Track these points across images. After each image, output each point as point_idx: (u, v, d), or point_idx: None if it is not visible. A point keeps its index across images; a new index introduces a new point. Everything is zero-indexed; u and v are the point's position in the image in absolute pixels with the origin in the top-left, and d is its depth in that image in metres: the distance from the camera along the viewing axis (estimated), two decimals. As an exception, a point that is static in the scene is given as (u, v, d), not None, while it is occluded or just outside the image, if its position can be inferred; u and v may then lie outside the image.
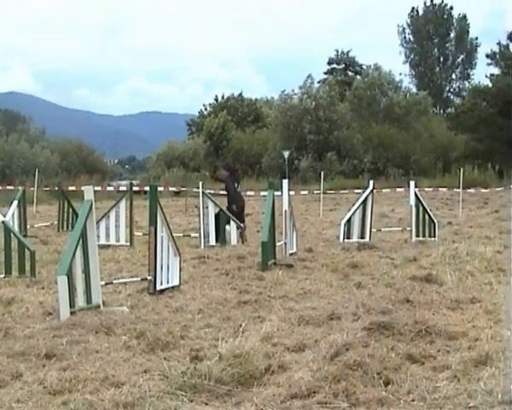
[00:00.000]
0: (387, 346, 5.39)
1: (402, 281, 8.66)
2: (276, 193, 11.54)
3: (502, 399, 4.25)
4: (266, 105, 62.69)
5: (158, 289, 8.37)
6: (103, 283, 7.91)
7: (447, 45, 70.10)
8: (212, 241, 13.94)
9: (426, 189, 25.97)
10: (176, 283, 8.80)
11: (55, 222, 18.09)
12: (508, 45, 52.76)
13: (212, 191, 16.36)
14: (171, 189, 26.57)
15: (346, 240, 13.62)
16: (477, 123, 45.70)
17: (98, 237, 11.03)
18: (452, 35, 69.93)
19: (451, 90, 71.26)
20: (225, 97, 61.42)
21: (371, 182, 14.61)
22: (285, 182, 12.04)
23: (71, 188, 22.48)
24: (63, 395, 4.59)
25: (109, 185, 32.27)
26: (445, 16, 69.37)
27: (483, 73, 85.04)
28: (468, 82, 68.05)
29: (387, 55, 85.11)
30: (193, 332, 6.34)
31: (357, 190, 21.33)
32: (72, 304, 6.94)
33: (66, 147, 52.90)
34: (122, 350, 5.70)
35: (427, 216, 14.25)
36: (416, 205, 14.08)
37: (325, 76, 65.39)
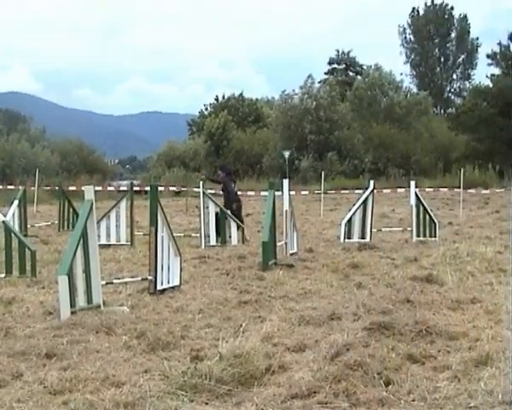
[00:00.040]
0: (388, 346, 5.40)
1: (402, 281, 8.66)
2: (276, 193, 11.54)
3: (502, 399, 4.26)
4: (267, 105, 62.65)
5: (158, 289, 8.37)
6: (104, 282, 7.91)
7: (448, 45, 70.08)
8: (213, 241, 13.95)
9: (426, 189, 25.94)
10: (176, 283, 8.80)
11: (56, 222, 18.10)
12: (508, 45, 52.72)
13: (213, 191, 16.35)
14: (171, 189, 26.54)
15: (346, 240, 13.62)
16: (478, 123, 45.69)
17: (99, 236, 11.03)
18: (453, 35, 69.91)
19: (452, 90, 71.26)
20: (226, 97, 61.42)
21: (372, 182, 14.61)
22: (285, 182, 12.04)
23: (71, 188, 22.47)
24: (64, 395, 4.59)
25: (110, 185, 32.29)
26: (446, 16, 69.35)
27: (484, 74, 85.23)
28: (469, 82, 68.09)
29: (388, 56, 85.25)
30: (193, 332, 6.34)
31: (357, 191, 21.29)
32: (72, 304, 6.94)
33: (66, 147, 52.85)
34: (122, 350, 5.70)
35: (427, 216, 14.25)
36: (416, 205, 14.08)
37: (326, 76, 65.40)
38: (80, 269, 7.27)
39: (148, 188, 11.98)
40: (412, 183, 14.33)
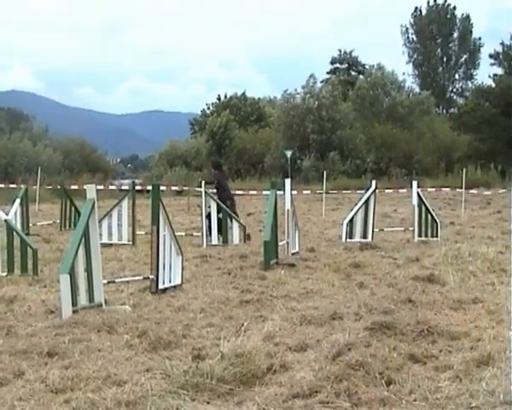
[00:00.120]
0: (389, 346, 5.39)
1: (404, 281, 8.66)
2: (278, 192, 11.54)
3: (504, 399, 4.25)
4: (269, 104, 62.66)
5: (160, 288, 8.37)
6: (105, 281, 7.91)
7: (450, 45, 70.06)
8: (215, 240, 13.96)
9: (428, 189, 25.94)
10: (178, 282, 8.81)
11: (58, 220, 18.12)
12: (511, 45, 52.74)
13: (215, 190, 16.33)
14: (173, 188, 26.55)
15: (348, 240, 13.61)
16: (480, 123, 45.71)
17: (100, 235, 11.04)
18: (455, 35, 69.89)
19: (454, 90, 71.23)
20: (228, 97, 61.44)
21: (374, 182, 14.60)
22: (287, 181, 12.04)
23: (73, 186, 22.52)
24: (65, 394, 4.59)
25: (112, 184, 32.26)
26: (449, 16, 69.31)
27: (486, 74, 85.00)
28: (472, 82, 68.11)
29: (390, 55, 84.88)
30: (195, 331, 6.34)
31: (359, 190, 21.31)
32: (74, 303, 6.95)
33: (68, 145, 52.89)
34: (124, 349, 5.70)
35: (429, 216, 14.24)
36: (418, 205, 14.08)
37: (328, 76, 65.40)
38: (82, 268, 7.27)
39: (149, 187, 11.99)
40: (414, 183, 14.33)
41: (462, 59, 70.33)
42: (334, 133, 48.89)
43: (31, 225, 17.00)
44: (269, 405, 4.37)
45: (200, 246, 13.49)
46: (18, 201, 15.85)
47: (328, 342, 5.51)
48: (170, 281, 8.66)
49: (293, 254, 11.84)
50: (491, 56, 59.83)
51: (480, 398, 4.31)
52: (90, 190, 7.54)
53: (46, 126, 64.46)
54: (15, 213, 15.37)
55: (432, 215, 14.29)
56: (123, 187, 23.98)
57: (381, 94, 53.62)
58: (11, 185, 26.25)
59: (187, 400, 4.47)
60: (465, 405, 4.26)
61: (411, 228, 14.34)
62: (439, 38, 69.77)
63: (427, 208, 14.23)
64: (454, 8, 69.08)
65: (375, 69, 55.71)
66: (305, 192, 26.27)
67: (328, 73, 67.15)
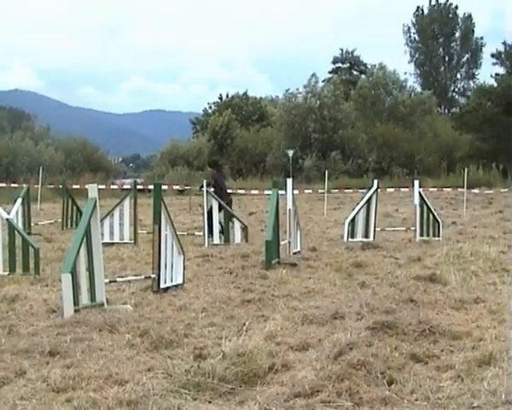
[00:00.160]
0: (391, 345, 5.39)
1: (406, 281, 8.65)
2: (280, 192, 11.55)
3: (505, 399, 4.25)
4: (271, 104, 62.64)
5: (162, 287, 8.38)
6: (107, 281, 7.91)
7: (452, 45, 69.98)
8: (216, 239, 13.96)
9: (430, 188, 25.93)
10: (179, 281, 8.81)
11: (59, 220, 18.12)
12: (513, 45, 52.70)
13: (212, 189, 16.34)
14: (175, 187, 26.55)
15: (349, 239, 13.61)
16: (482, 123, 45.66)
17: (102, 235, 11.05)
18: (457, 34, 69.80)
19: (456, 89, 71.15)
20: (230, 96, 61.43)
21: (375, 181, 14.60)
22: (289, 181, 12.04)
23: (75, 186, 22.49)
24: (67, 393, 4.60)
25: (113, 183, 32.32)
26: (451, 16, 69.24)
27: (488, 73, 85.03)
28: (473, 82, 67.97)
29: (392, 55, 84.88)
30: (196, 331, 6.35)
31: (361, 190, 21.30)
32: (76, 302, 6.95)
33: (70, 145, 52.83)
34: (126, 348, 5.71)
35: (431, 216, 14.23)
36: (420, 205, 14.07)
37: (330, 75, 65.37)
38: (84, 267, 7.28)
39: (151, 186, 11.98)
40: (416, 182, 14.33)
41: (464, 58, 70.25)
42: (336, 133, 48.87)
43: (32, 224, 17.00)
44: (270, 404, 4.37)
45: (201, 245, 13.49)
46: (20, 200, 15.84)
47: (330, 342, 5.51)
48: (171, 280, 8.67)
49: (294, 253, 11.84)
50: (493, 56, 59.83)
51: (482, 398, 4.31)
52: (92, 189, 7.54)
53: (48, 126, 64.39)
54: (17, 213, 15.36)
55: (433, 215, 14.29)
56: (125, 186, 24.03)
57: (383, 93, 53.57)
58: (13, 185, 26.25)
59: (188, 399, 4.47)
60: (467, 405, 4.26)
61: (413, 228, 14.34)
62: (440, 38, 69.70)
63: (428, 208, 14.22)
64: (456, 7, 69.08)
65: (376, 69, 55.65)
66: (306, 191, 26.26)
67: (330, 72, 67.17)
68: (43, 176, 27.90)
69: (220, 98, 62.51)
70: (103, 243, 8.81)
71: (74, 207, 17.58)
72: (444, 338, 5.77)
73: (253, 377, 4.82)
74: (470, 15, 69.69)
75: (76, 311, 6.84)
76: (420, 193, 14.13)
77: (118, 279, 8.69)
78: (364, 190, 16.43)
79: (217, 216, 14.07)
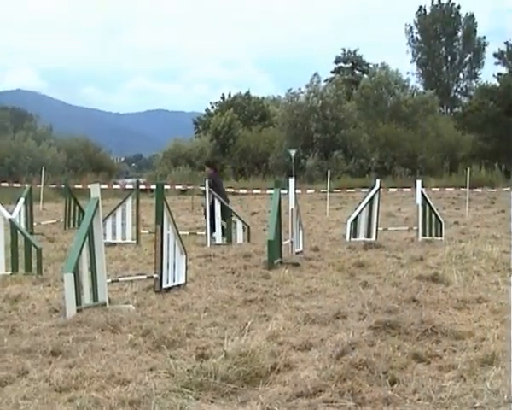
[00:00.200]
0: (393, 345, 5.39)
1: (408, 280, 8.64)
2: (282, 191, 11.53)
3: (508, 399, 4.24)
4: (273, 104, 62.66)
5: (164, 287, 8.38)
6: (109, 280, 7.92)
7: (455, 44, 69.98)
8: (219, 239, 13.96)
9: (433, 188, 25.89)
10: (182, 281, 8.81)
11: (62, 220, 18.13)
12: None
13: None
14: (177, 187, 26.58)
15: (352, 239, 13.61)
16: (484, 122, 45.63)
17: (104, 234, 11.05)
18: (460, 34, 69.82)
19: (459, 89, 71.16)
20: (232, 96, 61.43)
21: (378, 181, 14.59)
22: (291, 180, 12.03)
23: (77, 186, 22.52)
24: (69, 393, 4.60)
25: (116, 183, 32.29)
26: (453, 15, 69.27)
27: (490, 73, 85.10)
28: (476, 81, 68.02)
29: (394, 55, 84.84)
30: (199, 330, 6.35)
31: (363, 189, 21.30)
32: (78, 302, 6.95)
33: (72, 145, 52.86)
34: (128, 348, 5.71)
35: (433, 215, 14.23)
36: (422, 204, 14.06)
37: (332, 75, 65.38)
38: (86, 267, 7.28)
39: (153, 186, 11.98)
40: (418, 182, 14.31)
41: (467, 58, 70.27)
42: (338, 132, 48.87)
43: (35, 224, 17.01)
44: (273, 404, 4.36)
45: (204, 245, 13.49)
46: (22, 200, 15.88)
47: (332, 342, 5.51)
48: (174, 280, 8.67)
49: (297, 253, 11.83)
50: (495, 55, 59.83)
51: (484, 398, 4.30)
52: (94, 189, 7.54)
53: (50, 126, 64.44)
54: (19, 213, 15.41)
55: (436, 214, 14.28)
56: (127, 186, 23.98)
57: (385, 93, 53.55)
58: (15, 184, 26.25)
59: (191, 399, 4.47)
60: (469, 404, 4.26)
61: (415, 227, 14.33)
62: (443, 37, 69.71)
63: (431, 208, 14.21)
64: (458, 7, 69.12)
65: (379, 68, 55.66)
66: (308, 191, 26.27)
67: (332, 72, 67.18)
68: (46, 176, 27.93)
69: (222, 98, 62.55)
70: (105, 243, 8.82)
71: (76, 207, 17.59)
72: (446, 338, 5.77)
73: (256, 376, 4.82)
74: (472, 15, 69.81)
75: (78, 311, 6.85)
76: (422, 193, 14.12)
77: (120, 279, 8.69)
78: (367, 190, 16.44)
79: (219, 214, 14.06)
